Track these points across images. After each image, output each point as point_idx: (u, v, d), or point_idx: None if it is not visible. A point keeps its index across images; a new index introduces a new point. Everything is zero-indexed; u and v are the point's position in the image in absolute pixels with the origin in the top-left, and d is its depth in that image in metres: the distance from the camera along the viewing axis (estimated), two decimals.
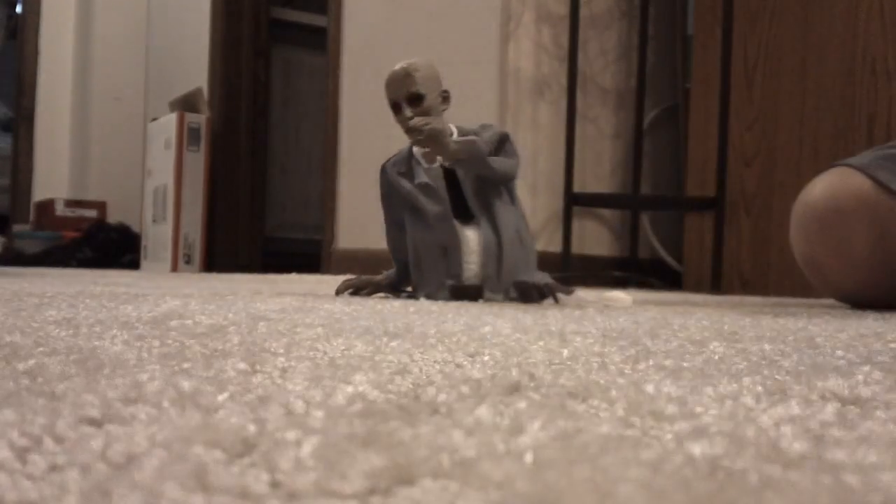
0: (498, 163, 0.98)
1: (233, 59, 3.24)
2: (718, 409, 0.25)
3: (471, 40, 2.11)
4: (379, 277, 1.07)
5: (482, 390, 0.27)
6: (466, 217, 1.00)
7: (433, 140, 0.96)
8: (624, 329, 0.50)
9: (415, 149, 1.02)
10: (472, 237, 0.99)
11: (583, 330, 0.49)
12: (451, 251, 0.99)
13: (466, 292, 0.98)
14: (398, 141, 1.03)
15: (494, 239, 0.99)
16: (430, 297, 0.99)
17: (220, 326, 0.46)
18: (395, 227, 1.05)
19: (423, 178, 0.99)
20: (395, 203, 1.04)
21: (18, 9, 4.35)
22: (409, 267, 1.04)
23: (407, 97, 0.98)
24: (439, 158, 0.99)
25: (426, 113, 0.98)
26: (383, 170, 1.04)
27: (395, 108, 1.00)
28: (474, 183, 0.99)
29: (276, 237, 3.34)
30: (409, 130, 0.98)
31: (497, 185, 1.00)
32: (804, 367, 0.34)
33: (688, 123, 2.11)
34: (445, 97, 1.01)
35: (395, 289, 1.07)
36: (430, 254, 1.00)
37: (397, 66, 1.01)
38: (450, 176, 1.00)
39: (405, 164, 1.02)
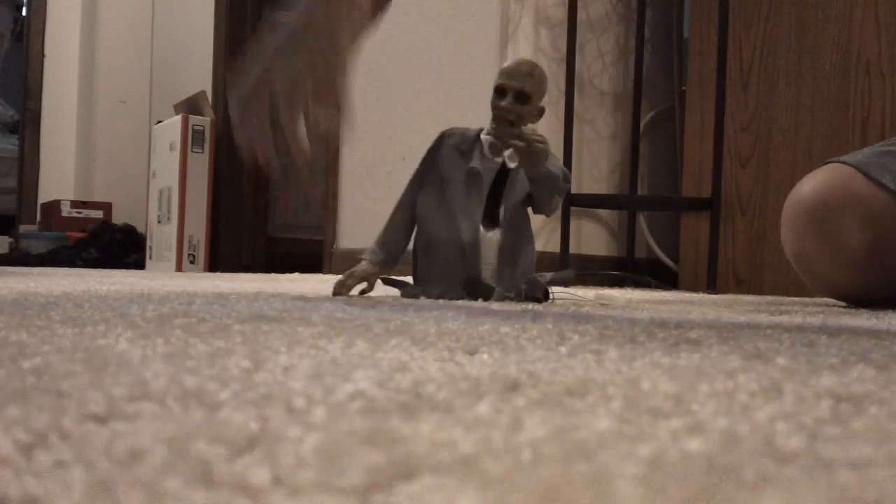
0: (555, 201, 1.02)
1: (236, 63, 3.25)
2: (714, 406, 0.25)
3: (470, 43, 2.11)
4: (364, 266, 1.01)
5: (481, 387, 0.27)
6: (492, 221, 1.00)
7: (536, 157, 0.97)
8: (621, 327, 0.50)
9: (483, 135, 1.01)
10: (491, 240, 1.00)
11: (580, 328, 0.49)
12: (469, 251, 0.99)
13: (478, 290, 0.98)
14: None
15: (512, 240, 1.00)
16: (441, 295, 0.98)
17: (224, 325, 0.46)
18: (411, 196, 1.03)
19: (477, 164, 1.00)
20: (432, 172, 1.03)
21: (24, 12, 4.36)
22: (416, 258, 1.02)
23: (516, 90, 0.99)
24: (506, 155, 1.00)
25: (522, 115, 0.99)
26: (442, 137, 1.04)
27: (500, 92, 1.00)
28: (520, 197, 1.01)
29: (279, 237, 3.34)
30: (501, 119, 0.99)
31: (526, 205, 1.02)
32: (798, 365, 0.35)
33: (684, 125, 2.11)
34: (540, 113, 1.02)
35: (389, 278, 1.04)
36: (448, 251, 0.99)
37: (524, 60, 1.02)
38: (499, 177, 1.00)
39: (469, 143, 1.02)
